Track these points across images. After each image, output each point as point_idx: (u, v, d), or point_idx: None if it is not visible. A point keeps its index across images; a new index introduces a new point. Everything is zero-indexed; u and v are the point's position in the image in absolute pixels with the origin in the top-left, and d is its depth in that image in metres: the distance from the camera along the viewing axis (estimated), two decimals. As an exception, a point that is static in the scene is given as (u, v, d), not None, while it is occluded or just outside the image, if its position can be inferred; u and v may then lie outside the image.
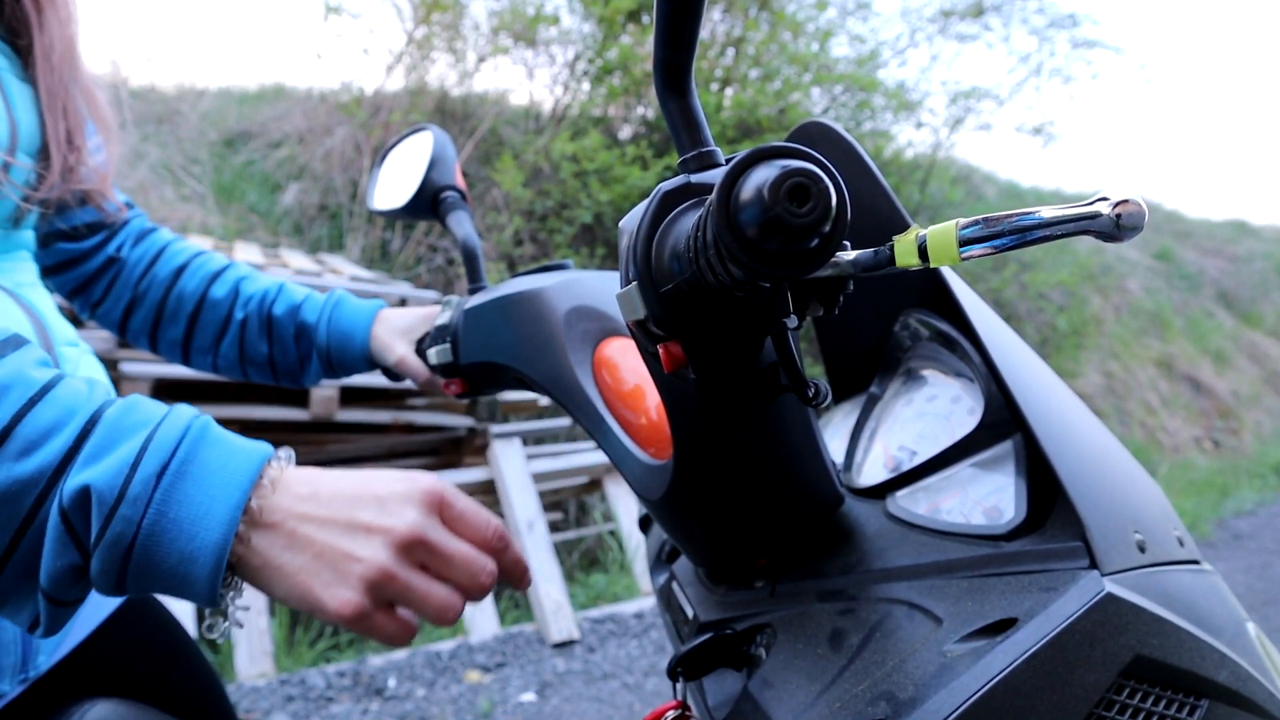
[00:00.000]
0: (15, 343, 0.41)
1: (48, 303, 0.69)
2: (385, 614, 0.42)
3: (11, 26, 0.65)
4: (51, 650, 0.69)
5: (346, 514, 0.42)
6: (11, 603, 0.40)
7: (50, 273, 0.81)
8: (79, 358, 0.68)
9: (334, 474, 0.44)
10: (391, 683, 2.52)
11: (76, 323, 2.37)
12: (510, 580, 0.46)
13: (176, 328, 0.85)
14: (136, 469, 0.39)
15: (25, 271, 0.69)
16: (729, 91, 5.56)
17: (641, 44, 5.11)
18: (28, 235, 0.69)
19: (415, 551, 0.42)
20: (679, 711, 0.54)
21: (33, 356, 0.41)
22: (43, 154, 0.65)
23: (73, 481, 0.38)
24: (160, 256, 0.85)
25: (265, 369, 0.87)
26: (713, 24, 5.61)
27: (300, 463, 0.45)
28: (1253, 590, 3.65)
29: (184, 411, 0.42)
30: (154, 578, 0.40)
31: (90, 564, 0.39)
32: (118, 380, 2.53)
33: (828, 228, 0.32)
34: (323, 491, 0.42)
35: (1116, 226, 0.28)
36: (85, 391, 0.41)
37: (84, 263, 0.82)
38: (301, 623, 2.83)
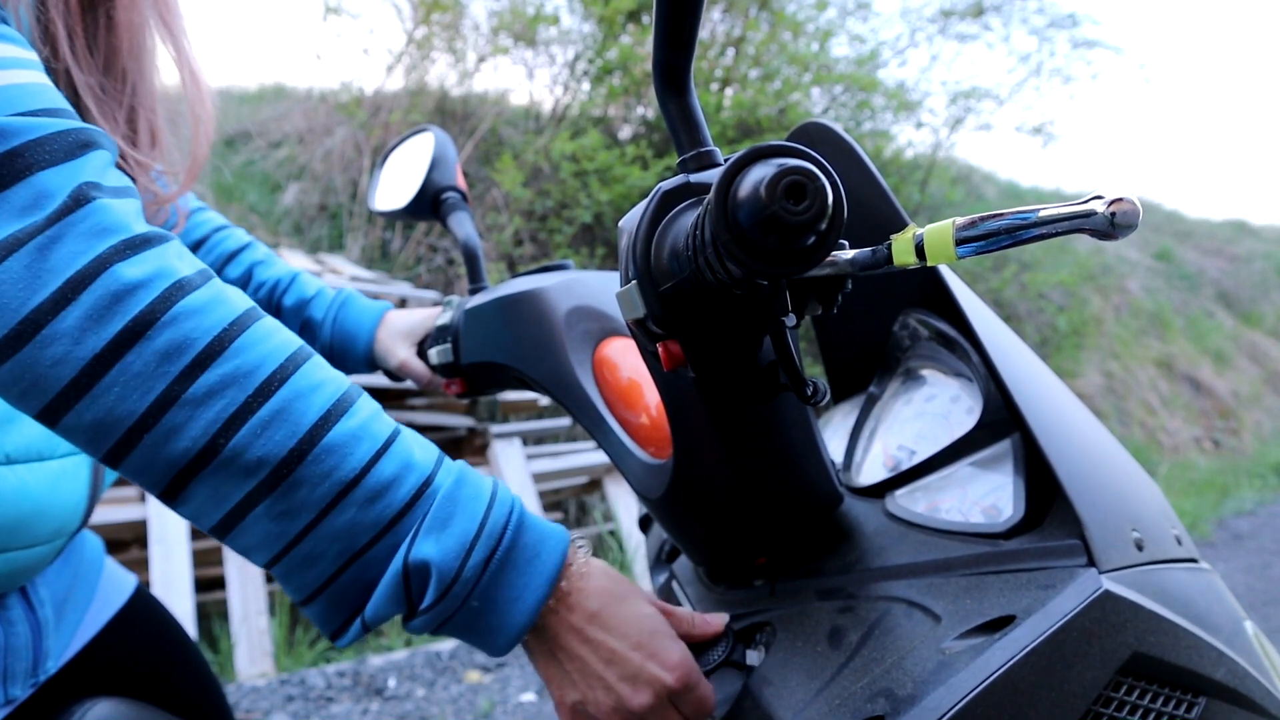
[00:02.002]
0: (357, 393, 0.46)
1: None
2: None
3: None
4: (59, 654, 0.69)
5: (600, 667, 0.49)
6: (326, 615, 0.46)
7: None
8: None
9: (616, 605, 0.49)
10: (391, 683, 2.52)
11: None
12: None
13: None
14: (471, 553, 0.45)
15: None
16: (729, 91, 5.56)
17: (641, 44, 5.11)
18: None
19: (637, 714, 0.49)
20: None
21: (372, 408, 0.46)
22: None
23: (417, 551, 0.44)
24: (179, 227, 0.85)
25: None
26: (713, 24, 5.61)
27: None
28: (1253, 590, 3.65)
29: (505, 494, 0.49)
30: (459, 634, 0.47)
31: (415, 618, 0.46)
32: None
33: (824, 225, 0.32)
34: (597, 632, 0.49)
35: (1111, 224, 0.28)
36: (418, 448, 0.47)
37: None
38: (301, 623, 2.83)
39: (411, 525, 0.44)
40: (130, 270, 0.41)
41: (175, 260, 0.43)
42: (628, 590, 0.50)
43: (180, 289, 0.42)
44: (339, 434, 0.43)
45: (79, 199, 0.41)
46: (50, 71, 0.54)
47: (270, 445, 0.42)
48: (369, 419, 0.45)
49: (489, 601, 0.46)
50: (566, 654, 0.49)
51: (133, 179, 0.62)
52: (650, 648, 0.49)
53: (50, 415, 0.41)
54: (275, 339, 0.44)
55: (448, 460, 0.48)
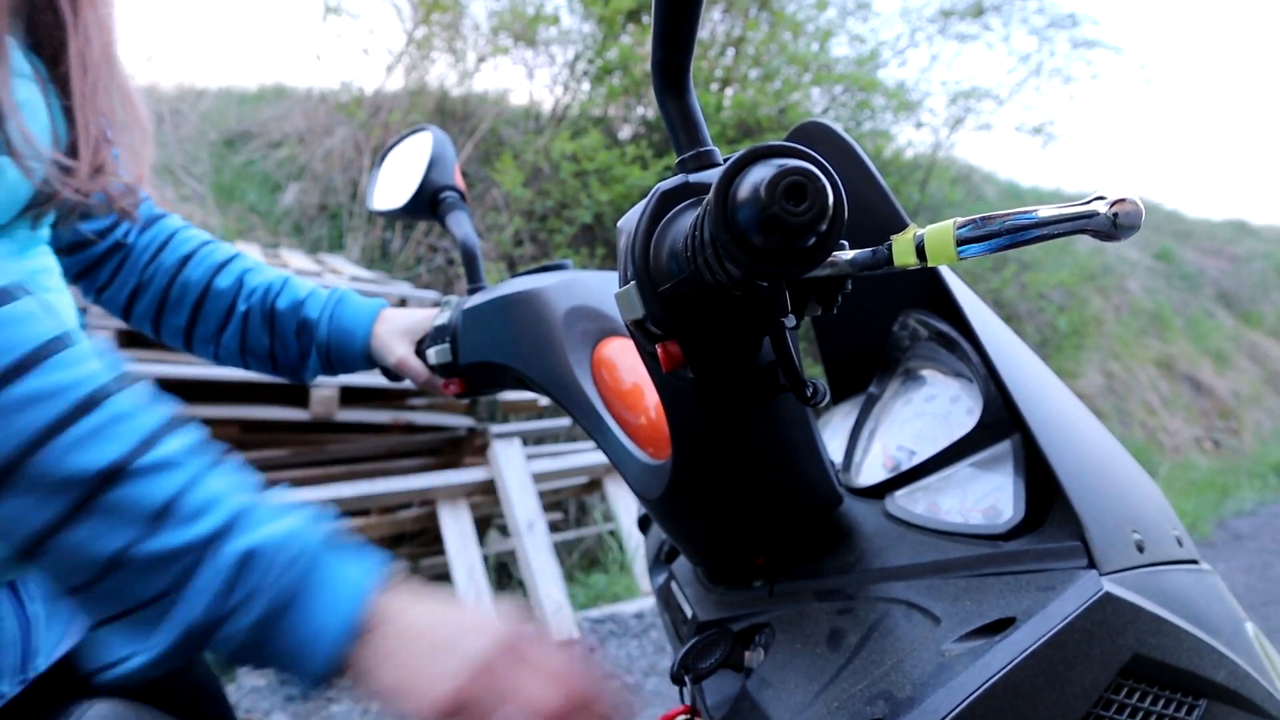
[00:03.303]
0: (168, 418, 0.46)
1: (69, 309, 0.69)
2: None
3: (38, 31, 0.63)
4: (50, 650, 0.69)
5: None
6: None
7: (57, 254, 0.81)
8: None
9: (428, 618, 0.49)
10: (391, 683, 2.52)
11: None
12: None
13: (179, 316, 0.86)
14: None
15: (49, 275, 0.68)
16: (729, 91, 5.56)
17: (641, 44, 5.11)
18: (46, 230, 0.69)
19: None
20: (688, 716, 0.54)
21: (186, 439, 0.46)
22: (70, 153, 0.63)
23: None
24: (167, 244, 0.85)
25: (266, 361, 0.88)
26: (713, 24, 5.60)
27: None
28: (1253, 590, 3.65)
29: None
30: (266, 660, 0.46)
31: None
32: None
33: (824, 226, 0.32)
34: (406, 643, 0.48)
35: (1113, 225, 0.28)
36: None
37: (91, 247, 0.82)
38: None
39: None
40: None
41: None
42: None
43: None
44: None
45: None
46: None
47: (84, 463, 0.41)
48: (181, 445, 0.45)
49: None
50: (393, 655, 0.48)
51: (101, 166, 0.63)
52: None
53: None
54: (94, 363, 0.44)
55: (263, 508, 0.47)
